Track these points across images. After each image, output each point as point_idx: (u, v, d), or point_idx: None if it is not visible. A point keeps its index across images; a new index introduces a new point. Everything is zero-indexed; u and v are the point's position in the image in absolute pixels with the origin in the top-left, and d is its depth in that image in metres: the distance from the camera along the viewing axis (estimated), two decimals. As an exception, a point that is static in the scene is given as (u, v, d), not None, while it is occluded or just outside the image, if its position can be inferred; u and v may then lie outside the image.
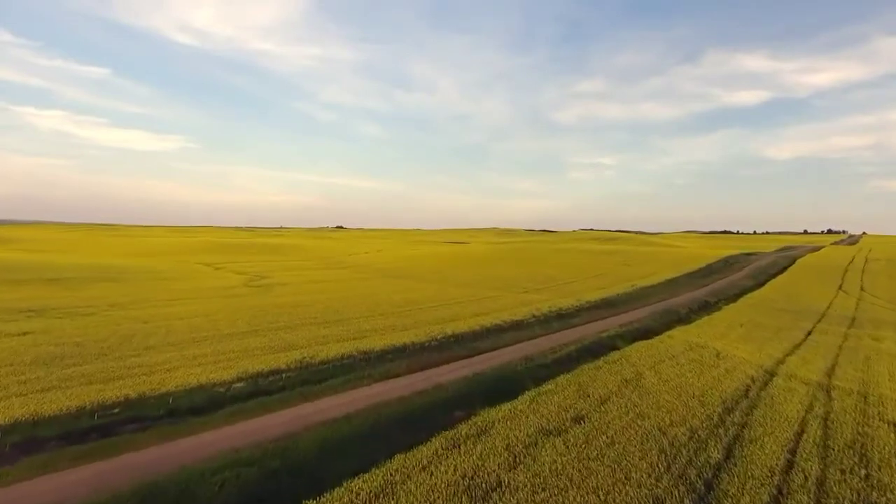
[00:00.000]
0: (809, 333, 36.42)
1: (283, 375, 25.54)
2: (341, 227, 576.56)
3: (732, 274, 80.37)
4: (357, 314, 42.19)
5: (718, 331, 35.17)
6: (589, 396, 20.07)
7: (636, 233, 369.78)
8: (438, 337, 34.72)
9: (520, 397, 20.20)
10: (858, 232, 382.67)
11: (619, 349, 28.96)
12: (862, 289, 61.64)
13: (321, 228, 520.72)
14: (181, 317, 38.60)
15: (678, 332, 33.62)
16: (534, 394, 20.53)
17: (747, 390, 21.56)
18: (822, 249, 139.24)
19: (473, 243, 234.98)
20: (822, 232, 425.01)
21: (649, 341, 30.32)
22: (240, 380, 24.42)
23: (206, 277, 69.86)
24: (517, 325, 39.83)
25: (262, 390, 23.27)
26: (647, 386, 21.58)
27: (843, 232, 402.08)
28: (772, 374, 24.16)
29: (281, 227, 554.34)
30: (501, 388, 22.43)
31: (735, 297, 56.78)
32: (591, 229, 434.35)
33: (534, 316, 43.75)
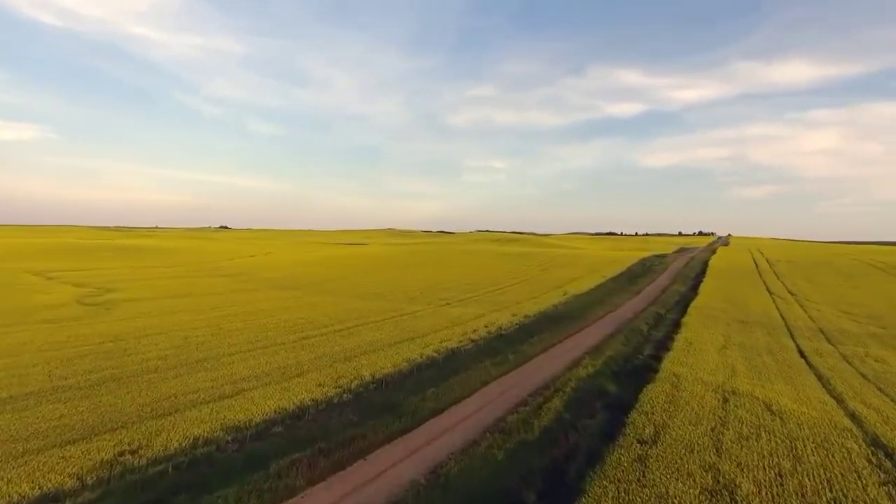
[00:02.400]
0: (803, 356, 30.53)
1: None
2: (226, 228, 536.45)
3: (656, 277, 76.94)
4: (230, 348, 29.81)
5: (713, 361, 27.77)
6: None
7: (530, 234, 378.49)
8: (352, 385, 23.71)
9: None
10: (725, 234, 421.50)
11: (629, 405, 19.96)
12: (791, 293, 59.75)
13: (203, 229, 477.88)
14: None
15: (673, 366, 25.62)
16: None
17: None
18: (716, 251, 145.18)
19: (372, 245, 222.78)
20: (695, 234, 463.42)
21: (654, 386, 21.79)
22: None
23: (27, 292, 52.20)
24: (455, 357, 29.80)
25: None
26: None
27: (713, 234, 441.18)
28: (877, 444, 16.34)
29: (156, 227, 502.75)
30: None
31: (679, 306, 51.44)
32: (487, 230, 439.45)
33: (471, 340, 34.03)
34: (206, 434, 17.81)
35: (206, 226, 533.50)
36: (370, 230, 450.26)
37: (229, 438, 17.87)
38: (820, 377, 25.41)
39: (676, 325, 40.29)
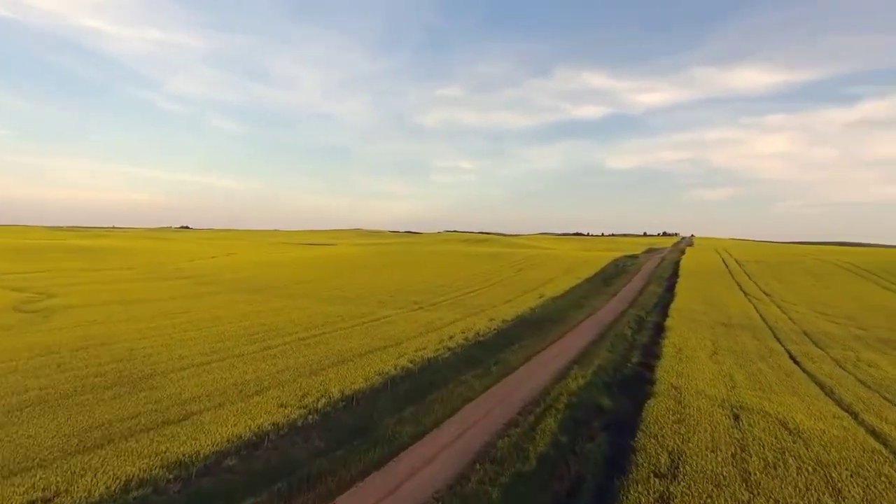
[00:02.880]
0: (796, 361, 29.29)
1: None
2: (187, 228, 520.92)
3: (630, 278, 76.12)
4: (181, 362, 26.67)
5: (708, 369, 26.11)
6: None
7: (498, 234, 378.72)
8: (319, 404, 21.03)
9: None
10: (688, 234, 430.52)
11: (631, 425, 17.91)
12: (765, 293, 59.47)
13: (163, 229, 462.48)
14: None
15: (668, 376, 23.81)
16: None
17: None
18: (684, 251, 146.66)
19: (340, 245, 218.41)
20: (659, 234, 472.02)
21: (655, 402, 19.84)
22: None
23: (-44, 298, 47.41)
24: (432, 368, 27.39)
25: None
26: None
27: (677, 234, 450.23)
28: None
29: (114, 227, 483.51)
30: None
31: (658, 308, 50.30)
32: (456, 230, 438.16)
33: (449, 349, 31.65)
34: (142, 472, 14.92)
35: (167, 226, 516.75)
36: (338, 230, 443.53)
37: (171, 477, 15.02)
38: (822, 386, 23.99)
39: (660, 329, 38.87)
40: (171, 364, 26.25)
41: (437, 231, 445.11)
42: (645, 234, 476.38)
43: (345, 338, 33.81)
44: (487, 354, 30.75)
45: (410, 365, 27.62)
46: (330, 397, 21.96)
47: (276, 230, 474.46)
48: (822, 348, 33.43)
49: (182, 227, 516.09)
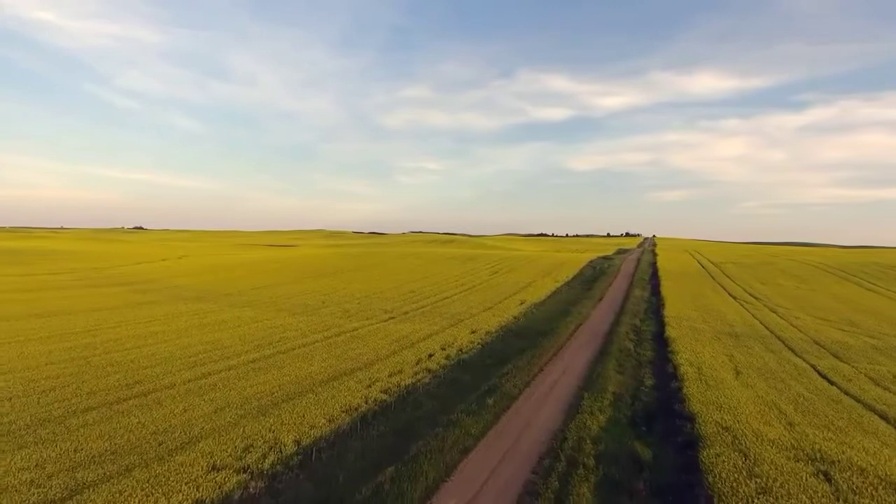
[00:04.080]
0: (831, 381, 25.41)
1: None
2: (141, 229, 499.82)
3: (611, 281, 72.34)
4: (90, 399, 20.64)
5: (744, 397, 21.77)
6: None
7: (463, 235, 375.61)
8: (265, 464, 15.56)
9: None
10: (650, 234, 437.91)
11: (693, 491, 13.19)
12: (754, 296, 56.48)
13: (114, 230, 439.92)
14: None
15: (706, 409, 19.32)
16: None
17: None
18: (656, 252, 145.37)
19: (302, 246, 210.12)
20: (622, 235, 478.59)
21: (711, 453, 15.22)
22: None
23: None
24: (412, 400, 22.18)
25: None
26: None
27: (639, 234, 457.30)
28: None
29: (61, 228, 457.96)
30: None
31: (651, 315, 46.28)
32: (420, 231, 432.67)
33: (429, 371, 26.47)
34: None
35: (119, 226, 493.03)
36: (301, 231, 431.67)
37: None
38: (885, 418, 19.92)
39: (662, 341, 34.72)
40: (77, 402, 20.27)
41: (401, 232, 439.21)
42: (608, 235, 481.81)
43: (304, 359, 28.25)
44: (477, 379, 25.70)
45: (385, 396, 22.36)
46: (281, 451, 16.54)
47: (236, 231, 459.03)
48: (846, 362, 29.74)
49: (136, 228, 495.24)
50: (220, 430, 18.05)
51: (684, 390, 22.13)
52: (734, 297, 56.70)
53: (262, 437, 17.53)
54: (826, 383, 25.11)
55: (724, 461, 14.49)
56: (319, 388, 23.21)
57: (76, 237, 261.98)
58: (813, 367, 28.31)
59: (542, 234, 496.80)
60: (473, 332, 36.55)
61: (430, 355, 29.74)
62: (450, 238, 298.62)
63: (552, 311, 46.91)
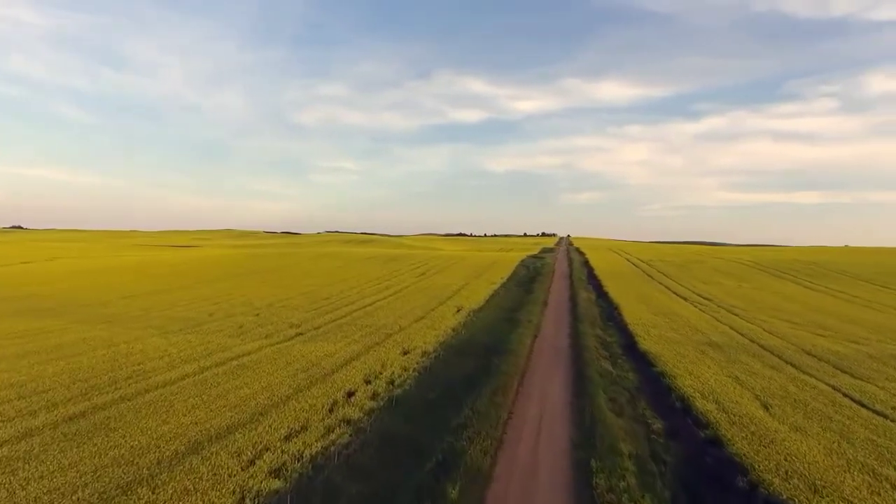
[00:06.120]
0: (862, 404, 19.84)
1: None
2: (19, 228, 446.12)
3: (549, 283, 66.37)
4: None
5: (800, 447, 15.35)
6: None
7: (382, 235, 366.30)
8: None
9: None
10: (565, 234, 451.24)
11: None
12: (704, 297, 52.60)
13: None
14: None
15: (782, 483, 12.59)
16: None
17: None
18: (582, 251, 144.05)
19: (205, 247, 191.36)
20: (539, 234, 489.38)
21: None
22: None
23: None
24: (317, 491, 13.73)
25: None
26: None
27: (555, 234, 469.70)
28: None
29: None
30: None
31: (609, 322, 40.13)
32: (337, 231, 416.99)
33: (349, 425, 17.90)
34: None
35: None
36: (207, 231, 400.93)
37: None
38: None
39: (638, 356, 28.36)
40: None
41: (317, 232, 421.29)
42: (525, 235, 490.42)
43: (157, 410, 18.68)
44: (420, 433, 17.46)
45: (275, 484, 13.61)
46: None
47: (134, 231, 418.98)
48: (862, 378, 24.52)
49: (13, 227, 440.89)
50: None
51: (729, 446, 15.27)
52: (684, 298, 52.45)
53: None
54: (869, 412, 19.38)
55: None
56: (175, 464, 14.09)
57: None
58: (834, 388, 22.78)
59: (461, 234, 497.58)
60: (406, 353, 28.26)
61: (350, 394, 21.15)
62: (368, 238, 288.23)
63: (496, 320, 39.55)
